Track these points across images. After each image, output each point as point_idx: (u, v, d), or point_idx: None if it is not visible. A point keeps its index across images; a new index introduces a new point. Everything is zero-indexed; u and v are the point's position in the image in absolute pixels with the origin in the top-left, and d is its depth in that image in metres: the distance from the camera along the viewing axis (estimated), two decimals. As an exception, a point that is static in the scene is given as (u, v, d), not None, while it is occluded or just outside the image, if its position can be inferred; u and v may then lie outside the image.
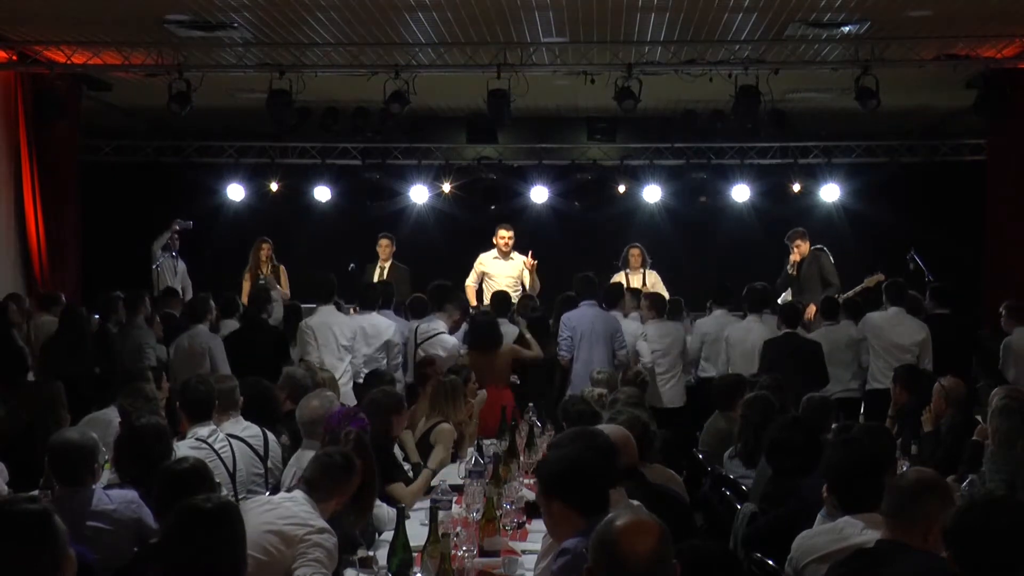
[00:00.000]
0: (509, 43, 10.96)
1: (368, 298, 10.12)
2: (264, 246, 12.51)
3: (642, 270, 12.22)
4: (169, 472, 4.62)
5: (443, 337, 9.74)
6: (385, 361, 9.56)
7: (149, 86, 11.73)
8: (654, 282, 12.14)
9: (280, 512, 4.47)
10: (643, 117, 13.13)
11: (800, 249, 11.75)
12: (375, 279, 11.90)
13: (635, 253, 12.30)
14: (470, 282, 11.98)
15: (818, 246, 12.38)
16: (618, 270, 12.33)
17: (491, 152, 15.20)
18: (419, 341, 9.72)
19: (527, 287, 11.87)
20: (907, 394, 8.12)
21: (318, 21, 10.32)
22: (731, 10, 9.88)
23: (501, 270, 11.87)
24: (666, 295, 11.83)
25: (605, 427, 5.24)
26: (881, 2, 9.60)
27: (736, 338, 10.11)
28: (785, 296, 11.65)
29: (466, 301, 11.07)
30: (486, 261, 12.10)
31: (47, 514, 3.29)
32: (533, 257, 11.93)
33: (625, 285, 11.72)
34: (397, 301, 10.52)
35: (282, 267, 12.65)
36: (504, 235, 12.03)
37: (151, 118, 14.11)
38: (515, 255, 12.05)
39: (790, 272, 11.85)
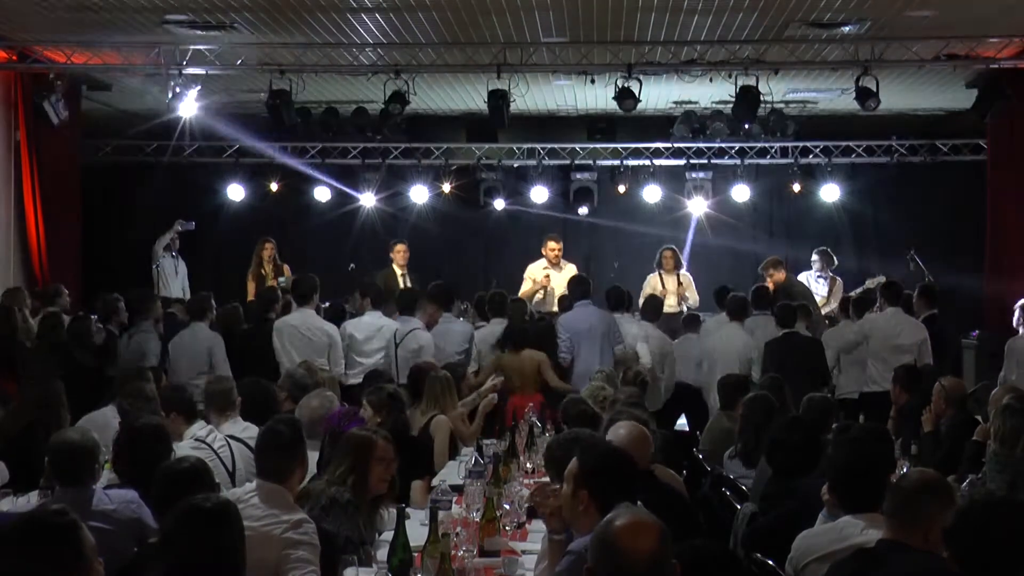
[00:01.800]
0: (509, 43, 10.96)
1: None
2: (267, 246, 12.53)
3: (676, 272, 12.31)
4: (168, 471, 4.61)
5: (417, 333, 9.72)
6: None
7: (149, 86, 11.73)
8: (687, 283, 12.26)
9: (251, 512, 4.36)
10: (643, 117, 13.12)
11: (774, 278, 11.64)
12: (400, 287, 11.80)
13: (668, 255, 12.44)
14: (525, 290, 11.95)
15: (819, 249, 12.37)
16: (652, 270, 12.40)
17: (491, 152, 15.20)
18: (398, 341, 9.75)
19: None
20: (907, 394, 8.12)
21: (318, 21, 10.32)
22: (731, 10, 9.87)
23: (552, 280, 11.87)
24: (696, 297, 12.05)
25: (623, 425, 5.19)
26: (881, 2, 9.60)
27: (712, 345, 10.11)
28: None
29: (443, 300, 10.83)
30: (536, 272, 12.11)
31: (76, 525, 3.29)
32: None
33: (661, 286, 11.93)
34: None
35: (285, 266, 12.67)
36: (554, 247, 12.08)
37: (151, 118, 14.10)
38: (565, 264, 12.07)
39: None
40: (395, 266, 12.25)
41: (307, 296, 9.76)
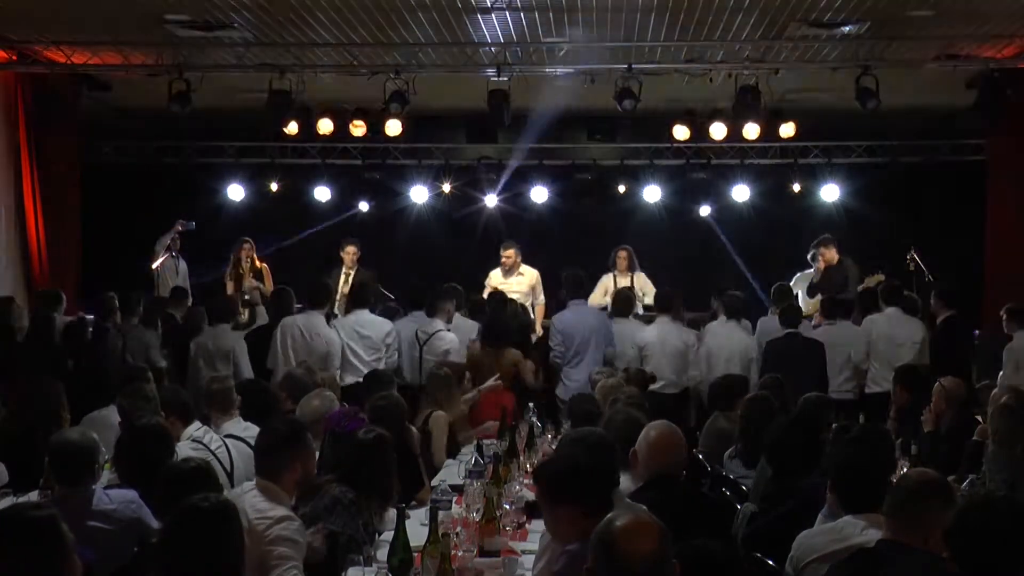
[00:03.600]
0: (509, 43, 10.96)
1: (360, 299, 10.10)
2: (245, 246, 12.51)
3: (629, 273, 12.19)
4: (173, 471, 4.63)
5: (442, 334, 9.76)
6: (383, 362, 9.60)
7: (149, 86, 11.72)
8: (642, 284, 12.13)
9: (242, 509, 4.40)
10: (643, 117, 13.11)
11: (826, 257, 11.67)
12: (339, 286, 11.82)
13: (623, 255, 12.23)
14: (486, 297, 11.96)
15: (847, 258, 12.34)
16: (606, 271, 12.34)
17: (491, 152, 15.19)
18: (422, 342, 9.75)
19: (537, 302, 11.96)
20: (907, 394, 8.12)
21: (318, 21, 10.32)
22: (731, 10, 9.87)
23: (509, 287, 11.87)
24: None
25: (654, 426, 5.10)
26: (881, 2, 9.59)
27: (716, 344, 10.10)
28: (805, 299, 11.56)
29: (458, 295, 10.83)
30: (495, 278, 12.11)
31: (54, 521, 3.30)
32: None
33: (613, 287, 11.75)
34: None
35: (265, 266, 12.65)
36: (504, 254, 12.08)
37: (151, 118, 14.10)
38: (524, 270, 12.03)
39: (819, 280, 11.75)
40: (344, 267, 12.24)
41: (322, 303, 9.73)
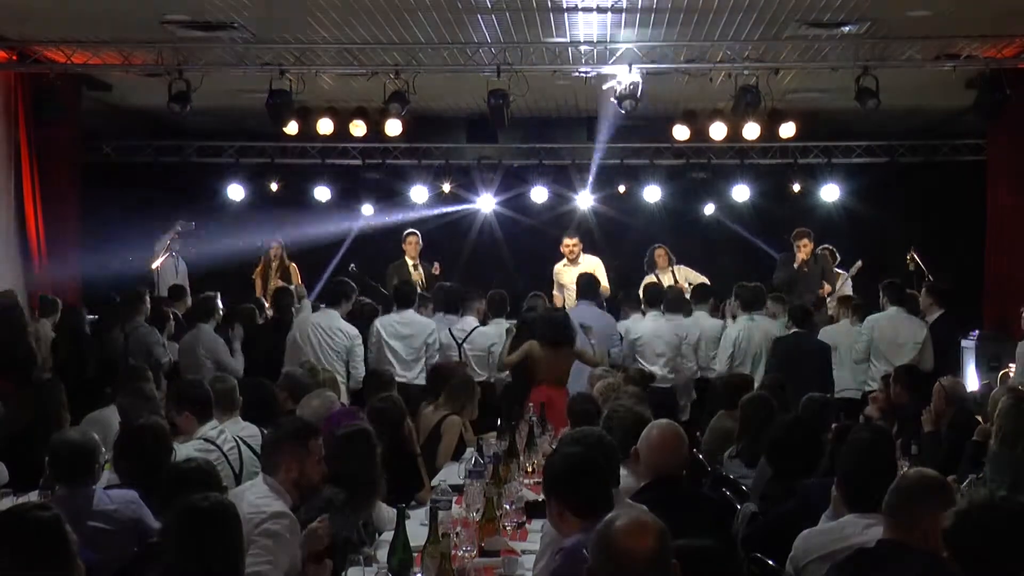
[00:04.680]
0: (509, 43, 10.96)
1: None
2: (275, 245, 12.58)
3: (670, 268, 12.25)
4: (176, 472, 4.64)
5: (482, 329, 9.86)
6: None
7: (149, 86, 11.72)
8: (686, 275, 12.21)
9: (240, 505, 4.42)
10: (643, 117, 13.11)
11: (805, 249, 11.70)
12: (411, 279, 11.66)
13: (660, 253, 12.34)
14: (556, 292, 11.87)
15: (823, 248, 12.36)
16: (645, 273, 12.33)
17: (491, 152, 15.19)
18: (460, 341, 9.79)
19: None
20: (907, 394, 8.11)
21: (318, 21, 10.32)
22: (731, 10, 9.87)
23: (571, 278, 11.86)
24: (702, 277, 12.08)
25: (656, 425, 5.11)
26: (881, 2, 9.60)
27: (741, 338, 10.10)
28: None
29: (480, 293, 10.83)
30: (558, 270, 12.07)
31: (58, 522, 3.30)
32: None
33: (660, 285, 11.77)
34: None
35: (293, 265, 12.71)
36: (568, 243, 12.01)
37: (151, 118, 14.10)
38: (584, 259, 11.96)
39: (803, 269, 11.74)
40: (407, 257, 12.20)
41: (338, 302, 9.77)
